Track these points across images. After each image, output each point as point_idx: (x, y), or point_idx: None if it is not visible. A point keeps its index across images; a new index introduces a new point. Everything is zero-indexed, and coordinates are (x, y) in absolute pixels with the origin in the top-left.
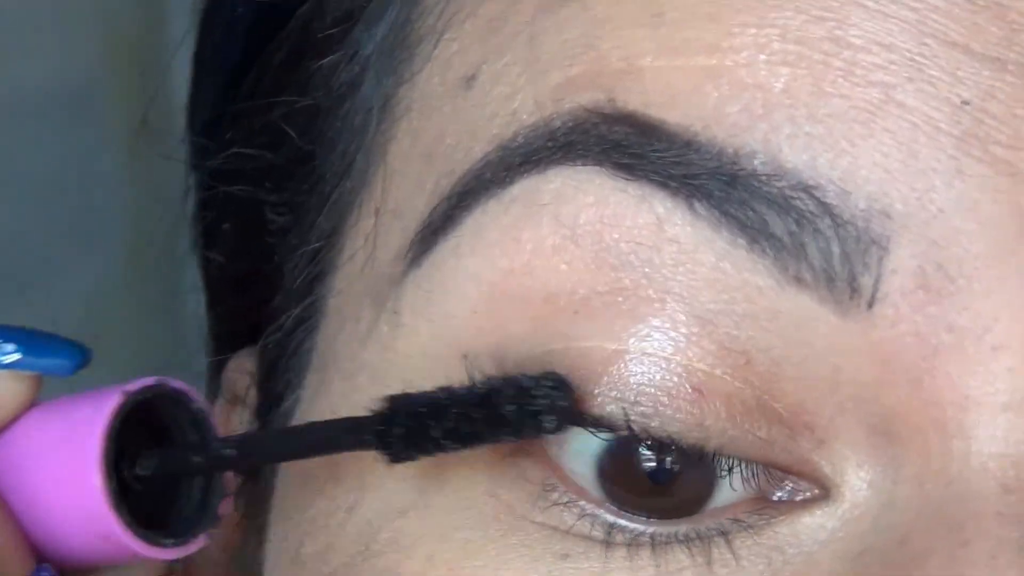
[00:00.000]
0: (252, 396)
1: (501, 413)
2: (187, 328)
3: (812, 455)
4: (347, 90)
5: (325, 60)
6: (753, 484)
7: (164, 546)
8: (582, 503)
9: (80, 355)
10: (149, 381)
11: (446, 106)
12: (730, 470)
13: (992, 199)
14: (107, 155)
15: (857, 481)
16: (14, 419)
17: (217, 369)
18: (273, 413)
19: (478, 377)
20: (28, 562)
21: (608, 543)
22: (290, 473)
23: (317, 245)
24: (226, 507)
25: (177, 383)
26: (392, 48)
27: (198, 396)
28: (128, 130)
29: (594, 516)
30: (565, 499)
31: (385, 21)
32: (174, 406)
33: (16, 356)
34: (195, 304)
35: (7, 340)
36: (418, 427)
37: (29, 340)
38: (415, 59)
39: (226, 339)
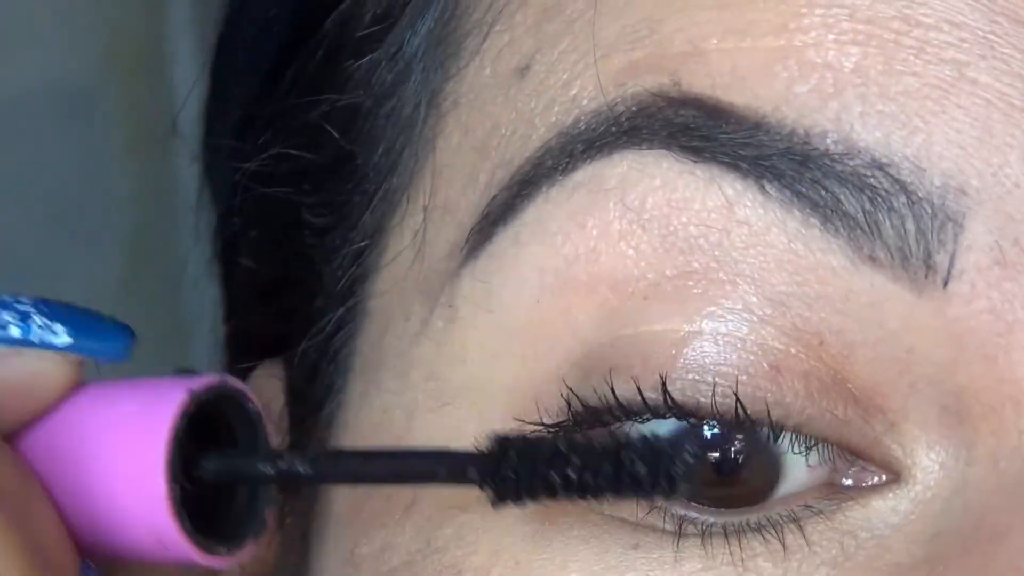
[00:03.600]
0: (279, 405)
1: (631, 471)
2: (188, 328)
3: (884, 437)
4: (390, 88)
5: (364, 59)
6: (827, 466)
7: (219, 554)
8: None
9: (129, 337)
10: (215, 380)
11: (499, 97)
12: (807, 450)
13: None
14: (107, 155)
15: (928, 463)
16: (58, 403)
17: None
18: (311, 420)
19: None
20: (73, 558)
21: (680, 534)
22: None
23: (361, 245)
24: (271, 515)
25: (238, 383)
26: (437, 44)
27: (255, 399)
28: (128, 130)
29: (663, 509)
30: None
31: (428, 18)
32: (231, 407)
33: (68, 340)
34: (195, 303)
35: (55, 319)
36: (530, 471)
37: (79, 321)
38: (462, 54)
39: (246, 349)
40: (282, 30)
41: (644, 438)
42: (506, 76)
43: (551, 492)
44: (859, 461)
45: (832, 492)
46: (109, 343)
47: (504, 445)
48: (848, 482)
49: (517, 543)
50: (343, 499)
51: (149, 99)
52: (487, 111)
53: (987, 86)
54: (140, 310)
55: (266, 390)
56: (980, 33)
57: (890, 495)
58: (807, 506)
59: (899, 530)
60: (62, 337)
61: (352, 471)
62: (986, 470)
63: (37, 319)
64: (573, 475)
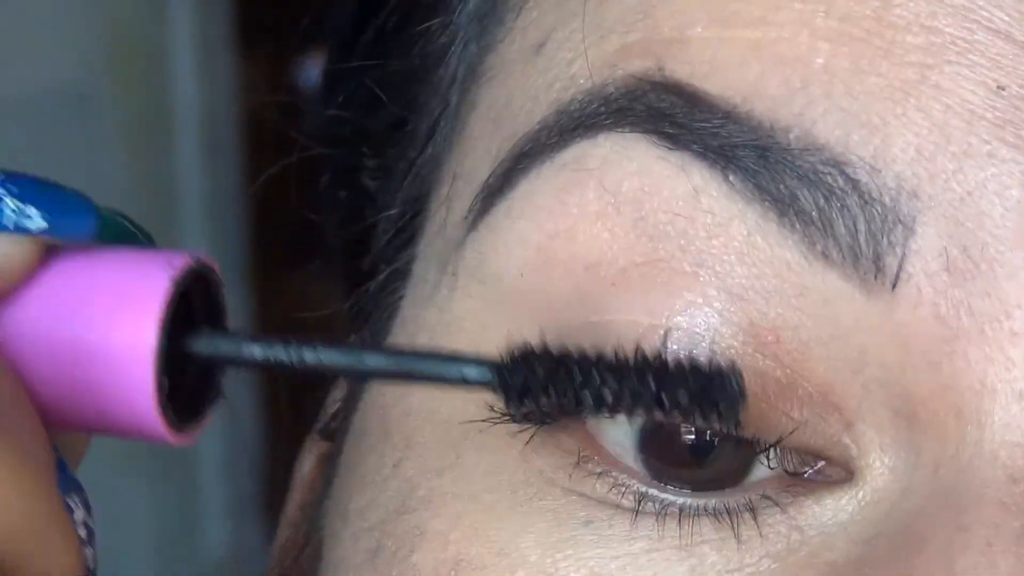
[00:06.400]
0: None
1: (671, 394)
2: None
3: (842, 437)
4: (440, 56)
5: (423, 26)
6: (788, 465)
7: (185, 432)
8: (615, 473)
9: (94, 211)
10: (190, 260)
11: (518, 73)
12: (764, 451)
13: (1021, 184)
14: (107, 155)
15: (880, 466)
16: (24, 283)
17: None
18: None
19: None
20: (46, 444)
21: (637, 512)
22: (349, 431)
23: (400, 210)
24: (213, 412)
25: (206, 259)
26: (482, 16)
27: (218, 273)
28: (128, 130)
29: (626, 486)
30: (599, 469)
31: None
32: (196, 282)
33: (43, 224)
34: None
35: (28, 201)
36: (550, 379)
37: (52, 201)
38: (501, 28)
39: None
40: None
41: (690, 362)
42: (526, 52)
43: (568, 402)
44: (819, 460)
45: (793, 483)
46: (80, 221)
47: (525, 354)
48: (810, 474)
49: (478, 510)
50: (346, 452)
51: (149, 99)
52: (507, 85)
53: (950, 91)
54: None
55: None
56: (950, 38)
57: (843, 494)
58: (765, 496)
59: (845, 529)
60: (37, 221)
61: (360, 365)
62: (927, 476)
63: (9, 202)
64: (589, 387)
